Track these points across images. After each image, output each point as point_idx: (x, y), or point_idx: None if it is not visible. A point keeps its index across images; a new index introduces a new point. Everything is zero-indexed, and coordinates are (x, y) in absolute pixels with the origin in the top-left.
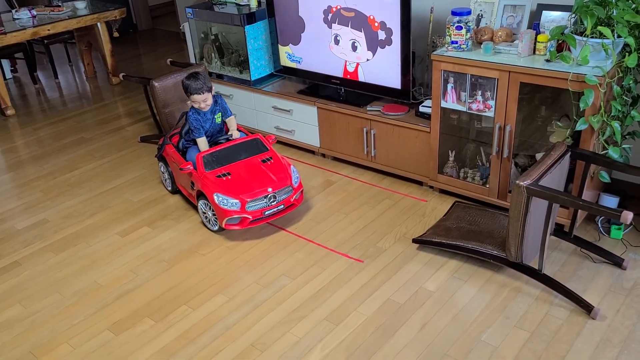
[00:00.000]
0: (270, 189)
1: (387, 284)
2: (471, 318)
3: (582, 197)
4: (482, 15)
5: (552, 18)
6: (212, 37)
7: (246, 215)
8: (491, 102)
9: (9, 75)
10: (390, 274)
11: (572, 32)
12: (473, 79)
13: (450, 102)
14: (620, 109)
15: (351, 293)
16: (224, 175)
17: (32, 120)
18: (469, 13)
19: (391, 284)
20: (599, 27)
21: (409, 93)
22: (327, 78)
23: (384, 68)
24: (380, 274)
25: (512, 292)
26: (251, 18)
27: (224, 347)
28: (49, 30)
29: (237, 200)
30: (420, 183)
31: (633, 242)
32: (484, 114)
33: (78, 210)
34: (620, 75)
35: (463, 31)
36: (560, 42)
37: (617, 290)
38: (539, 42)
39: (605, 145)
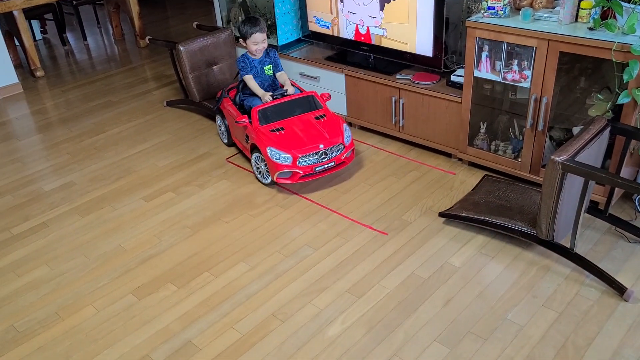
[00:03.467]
0: (321, 146)
1: (411, 257)
2: (497, 295)
3: (620, 175)
4: None
5: None
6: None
7: (297, 170)
8: (527, 72)
9: (38, 36)
10: (414, 248)
11: None
12: (509, 48)
13: (484, 71)
14: None
15: (374, 266)
16: (278, 130)
17: (60, 82)
18: None
19: (415, 258)
20: None
21: (440, 61)
22: (356, 44)
23: (415, 34)
24: (404, 247)
25: (540, 271)
26: None
27: (244, 315)
28: None
29: (289, 155)
30: (449, 155)
31: None
32: (519, 84)
33: (104, 173)
34: None
35: None
36: (605, 9)
37: None
38: (582, 8)
39: None
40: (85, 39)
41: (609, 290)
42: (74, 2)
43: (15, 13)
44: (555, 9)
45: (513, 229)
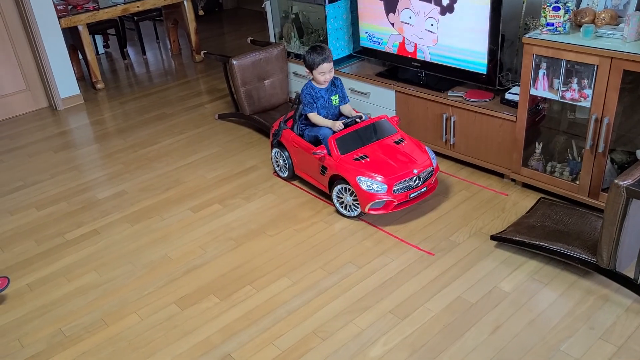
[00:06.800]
0: (415, 170)
1: (458, 280)
2: (550, 325)
3: None
4: None
5: None
6: (293, 16)
7: (392, 199)
8: (588, 91)
9: (101, 50)
10: (462, 270)
11: None
12: (568, 65)
13: (540, 89)
14: None
15: (419, 287)
16: (361, 158)
17: (119, 94)
18: None
19: (463, 280)
20: None
21: (495, 78)
22: (408, 60)
23: (469, 51)
24: (451, 269)
25: (598, 301)
26: None
27: (285, 331)
28: (138, 7)
29: (383, 183)
30: (501, 175)
31: None
32: (578, 103)
33: (154, 183)
34: None
35: (561, 12)
36: None
37: None
38: None
39: None
40: (144, 53)
41: None
42: (135, 18)
43: (80, 28)
44: (619, 26)
45: (571, 255)
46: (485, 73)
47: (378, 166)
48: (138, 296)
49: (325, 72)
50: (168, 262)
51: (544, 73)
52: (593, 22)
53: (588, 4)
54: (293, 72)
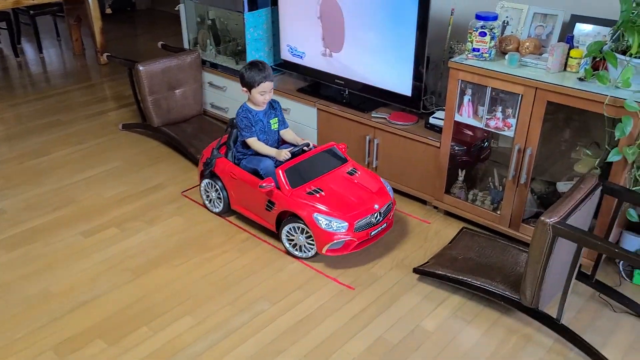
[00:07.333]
0: (376, 206)
1: (379, 318)
2: None
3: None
4: (507, 22)
5: (586, 32)
6: (209, 22)
7: (353, 238)
8: (512, 121)
9: None
10: (384, 307)
11: (612, 50)
12: (494, 93)
13: (465, 116)
14: None
15: (338, 326)
16: (315, 192)
17: (8, 96)
18: (495, 18)
19: (384, 318)
20: None
21: (419, 102)
22: (331, 77)
23: (393, 71)
24: (372, 305)
25: (521, 340)
26: (253, 4)
27: None
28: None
29: (344, 221)
30: (424, 202)
31: None
32: (502, 132)
33: (42, 201)
34: None
35: (487, 38)
36: (597, 59)
37: None
38: (571, 57)
39: (639, 179)
40: (41, 51)
41: None
42: (31, 12)
43: None
44: (543, 55)
45: (494, 292)
46: (409, 95)
47: (335, 201)
48: (7, 341)
49: (265, 92)
50: (49, 297)
51: (469, 99)
52: (517, 50)
53: (512, 32)
54: (208, 82)
